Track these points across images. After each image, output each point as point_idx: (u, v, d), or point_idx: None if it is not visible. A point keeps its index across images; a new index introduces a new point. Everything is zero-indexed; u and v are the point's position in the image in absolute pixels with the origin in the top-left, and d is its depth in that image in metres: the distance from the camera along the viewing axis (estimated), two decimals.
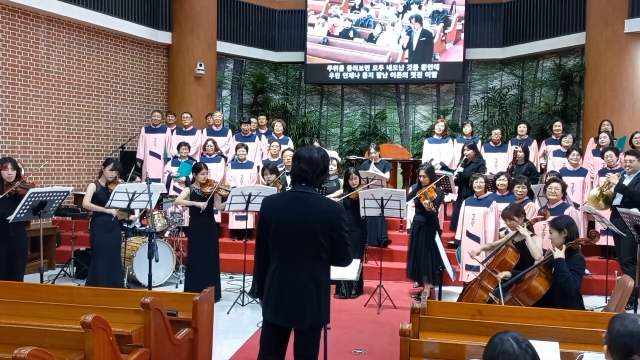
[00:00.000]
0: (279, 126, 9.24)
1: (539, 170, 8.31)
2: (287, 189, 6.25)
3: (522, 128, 8.70)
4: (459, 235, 6.83)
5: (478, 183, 6.44)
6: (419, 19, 11.69)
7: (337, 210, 3.12)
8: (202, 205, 6.27)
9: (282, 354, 3.22)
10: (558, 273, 4.16)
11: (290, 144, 9.30)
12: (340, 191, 7.10)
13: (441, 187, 7.00)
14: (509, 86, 11.56)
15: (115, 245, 6.04)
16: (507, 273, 4.63)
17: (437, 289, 5.52)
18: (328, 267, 3.17)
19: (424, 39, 11.65)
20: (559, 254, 4.21)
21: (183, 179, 8.38)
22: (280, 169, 7.36)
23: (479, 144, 8.50)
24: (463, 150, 7.94)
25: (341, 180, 7.62)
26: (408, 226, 7.86)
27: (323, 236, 3.03)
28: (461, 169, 7.73)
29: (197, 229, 6.42)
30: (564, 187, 5.96)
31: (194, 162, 8.47)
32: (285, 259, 3.09)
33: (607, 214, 6.32)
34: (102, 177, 5.99)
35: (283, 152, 8.04)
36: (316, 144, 8.58)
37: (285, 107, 12.18)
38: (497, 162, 8.43)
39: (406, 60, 11.73)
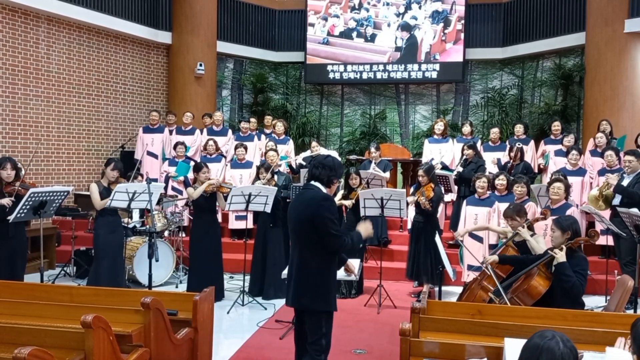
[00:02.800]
0: (279, 126, 9.24)
1: (536, 170, 8.31)
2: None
3: (518, 128, 8.72)
4: None
5: (481, 183, 6.42)
6: (406, 28, 11.66)
7: (319, 197, 3.38)
8: (215, 181, 6.34)
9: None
10: (563, 278, 4.01)
11: (291, 144, 9.30)
12: (342, 191, 7.10)
13: (441, 187, 7.00)
14: (509, 86, 11.56)
15: (119, 245, 6.03)
16: (495, 257, 4.56)
17: (437, 288, 5.52)
18: (322, 255, 3.40)
19: (409, 43, 11.65)
20: (561, 257, 4.09)
21: (181, 178, 8.37)
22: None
23: (478, 144, 8.50)
24: (463, 150, 7.95)
25: (340, 180, 7.61)
26: (409, 226, 7.86)
27: (310, 225, 3.32)
28: (460, 169, 7.73)
29: (200, 227, 6.43)
30: (567, 187, 5.94)
31: (192, 162, 8.49)
32: (292, 248, 3.57)
33: (606, 213, 6.32)
34: (105, 177, 5.96)
35: (266, 153, 7.75)
36: (314, 143, 8.53)
37: (285, 107, 12.18)
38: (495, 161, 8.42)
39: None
